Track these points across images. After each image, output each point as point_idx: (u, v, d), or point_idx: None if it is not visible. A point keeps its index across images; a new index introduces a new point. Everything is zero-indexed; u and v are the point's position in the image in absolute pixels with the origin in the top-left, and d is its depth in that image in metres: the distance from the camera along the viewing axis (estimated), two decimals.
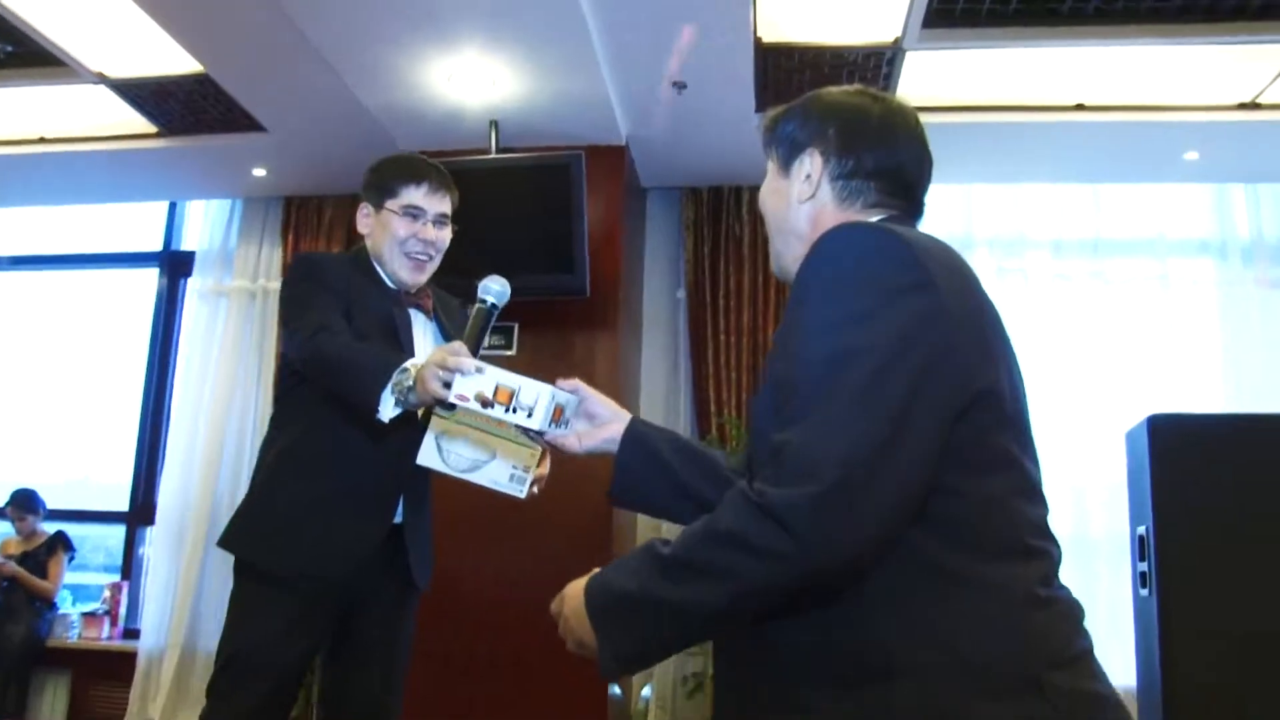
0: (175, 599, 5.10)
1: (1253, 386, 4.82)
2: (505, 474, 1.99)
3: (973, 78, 4.21)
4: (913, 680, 1.11)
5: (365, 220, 2.47)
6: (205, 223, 5.63)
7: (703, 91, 4.14)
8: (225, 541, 2.36)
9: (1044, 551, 1.21)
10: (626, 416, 1.63)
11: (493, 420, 1.69)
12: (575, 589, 1.27)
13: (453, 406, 2.01)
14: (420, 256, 2.41)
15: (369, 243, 2.46)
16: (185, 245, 5.87)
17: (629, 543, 4.77)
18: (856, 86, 1.47)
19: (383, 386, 2.02)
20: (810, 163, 1.40)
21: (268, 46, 3.86)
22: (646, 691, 4.72)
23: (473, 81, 3.96)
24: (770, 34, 3.88)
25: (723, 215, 5.18)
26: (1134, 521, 3.64)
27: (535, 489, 2.03)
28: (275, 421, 2.45)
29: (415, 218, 2.40)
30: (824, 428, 1.10)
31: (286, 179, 5.25)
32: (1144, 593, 3.48)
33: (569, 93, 4.05)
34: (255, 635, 2.24)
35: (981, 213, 5.18)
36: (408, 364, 2.02)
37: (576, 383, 1.65)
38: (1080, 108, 4.38)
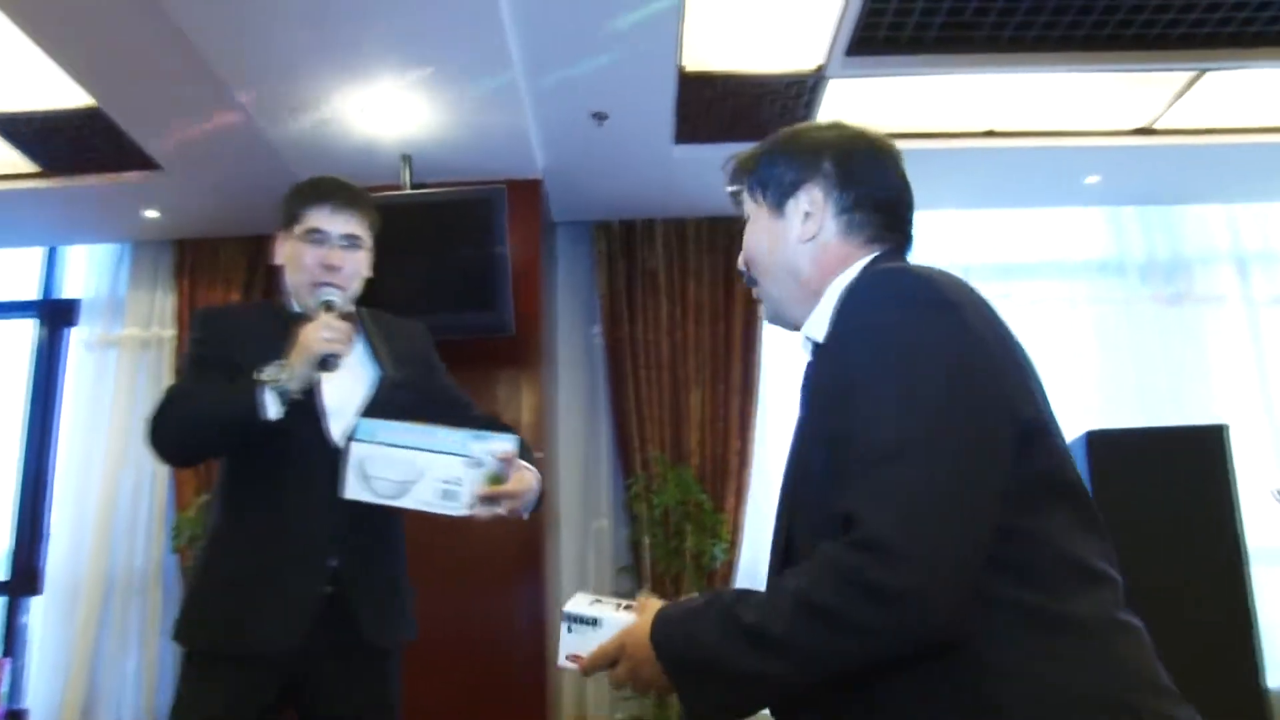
0: (69, 675, 4.70)
1: (1158, 399, 4.97)
2: (434, 491, 1.82)
3: (889, 105, 4.24)
4: None
5: (280, 250, 2.27)
6: (91, 268, 5.28)
7: (623, 122, 4.07)
8: (174, 633, 2.15)
9: (1111, 575, 1.18)
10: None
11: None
12: (639, 639, 1.20)
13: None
14: (325, 283, 2.17)
15: (286, 276, 2.26)
16: (67, 293, 5.47)
17: (559, 572, 4.63)
18: (830, 120, 1.44)
19: (252, 389, 1.96)
20: (809, 200, 1.37)
21: (166, 77, 3.62)
22: None
23: (387, 114, 3.80)
24: (692, 63, 3.84)
25: (636, 249, 5.12)
26: None
27: (503, 510, 1.90)
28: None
29: (319, 242, 2.18)
30: (896, 492, 1.06)
31: (180, 220, 4.96)
32: None
33: (488, 125, 3.92)
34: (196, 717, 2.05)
35: None
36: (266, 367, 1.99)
37: None
38: (990, 134, 4.47)
